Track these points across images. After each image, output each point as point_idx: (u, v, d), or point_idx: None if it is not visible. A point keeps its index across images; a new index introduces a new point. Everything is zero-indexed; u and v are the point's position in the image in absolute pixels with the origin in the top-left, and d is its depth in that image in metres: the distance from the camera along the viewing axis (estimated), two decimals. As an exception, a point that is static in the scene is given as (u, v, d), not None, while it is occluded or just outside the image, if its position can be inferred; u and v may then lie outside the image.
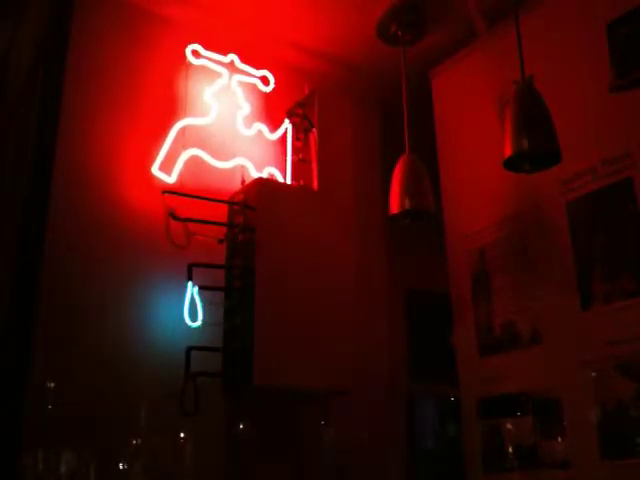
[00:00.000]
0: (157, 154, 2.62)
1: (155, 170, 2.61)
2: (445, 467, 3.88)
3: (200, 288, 2.49)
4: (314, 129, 2.86)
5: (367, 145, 3.27)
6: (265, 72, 2.98)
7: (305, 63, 3.16)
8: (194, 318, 2.48)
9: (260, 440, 2.58)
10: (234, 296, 2.57)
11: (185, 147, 2.68)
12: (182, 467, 2.41)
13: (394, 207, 2.61)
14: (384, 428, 2.96)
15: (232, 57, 2.89)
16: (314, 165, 2.81)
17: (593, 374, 2.23)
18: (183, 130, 2.70)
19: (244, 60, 2.92)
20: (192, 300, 2.49)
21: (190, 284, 2.48)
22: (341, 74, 3.28)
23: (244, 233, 2.59)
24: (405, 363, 3.87)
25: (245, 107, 2.89)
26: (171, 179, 2.63)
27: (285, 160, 2.95)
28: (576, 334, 2.31)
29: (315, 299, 2.57)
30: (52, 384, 2.24)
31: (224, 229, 2.66)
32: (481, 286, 2.72)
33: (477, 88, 2.89)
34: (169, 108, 2.73)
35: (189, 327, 2.47)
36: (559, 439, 2.32)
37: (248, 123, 2.89)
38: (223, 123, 2.83)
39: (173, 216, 2.56)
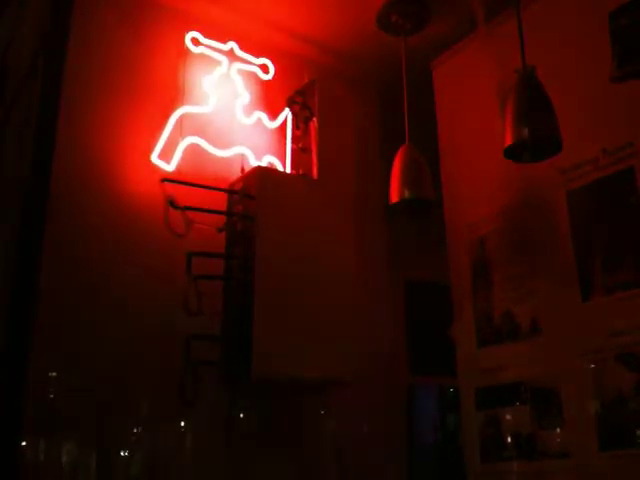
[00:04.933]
0: (156, 142, 2.61)
1: (154, 158, 2.60)
2: (445, 458, 3.89)
3: (199, 277, 2.48)
4: (314, 118, 2.84)
5: (367, 134, 3.25)
6: (265, 60, 2.96)
7: (305, 51, 3.14)
8: (193, 307, 2.47)
9: (260, 429, 2.58)
10: (233, 285, 2.56)
11: (184, 135, 2.66)
12: (182, 456, 2.42)
13: (394, 196, 2.61)
14: (384, 419, 2.96)
15: (232, 45, 2.87)
16: (314, 154, 2.79)
17: (593, 365, 2.23)
18: (182, 118, 2.68)
19: (244, 48, 2.90)
20: (191, 289, 2.48)
21: (189, 273, 2.47)
22: (341, 63, 3.26)
23: (243, 222, 2.58)
24: (405, 354, 3.87)
25: (244, 95, 2.87)
26: (170, 167, 2.61)
27: (285, 149, 2.93)
28: (576, 325, 2.30)
29: (315, 288, 2.57)
30: (52, 373, 2.24)
31: (223, 218, 2.65)
32: (481, 276, 2.71)
33: (478, 78, 2.87)
34: (168, 96, 2.71)
35: (188, 316, 2.46)
36: (558, 429, 2.32)
37: (248, 111, 2.88)
38: (222, 111, 2.81)
39: (172, 204, 2.55)
